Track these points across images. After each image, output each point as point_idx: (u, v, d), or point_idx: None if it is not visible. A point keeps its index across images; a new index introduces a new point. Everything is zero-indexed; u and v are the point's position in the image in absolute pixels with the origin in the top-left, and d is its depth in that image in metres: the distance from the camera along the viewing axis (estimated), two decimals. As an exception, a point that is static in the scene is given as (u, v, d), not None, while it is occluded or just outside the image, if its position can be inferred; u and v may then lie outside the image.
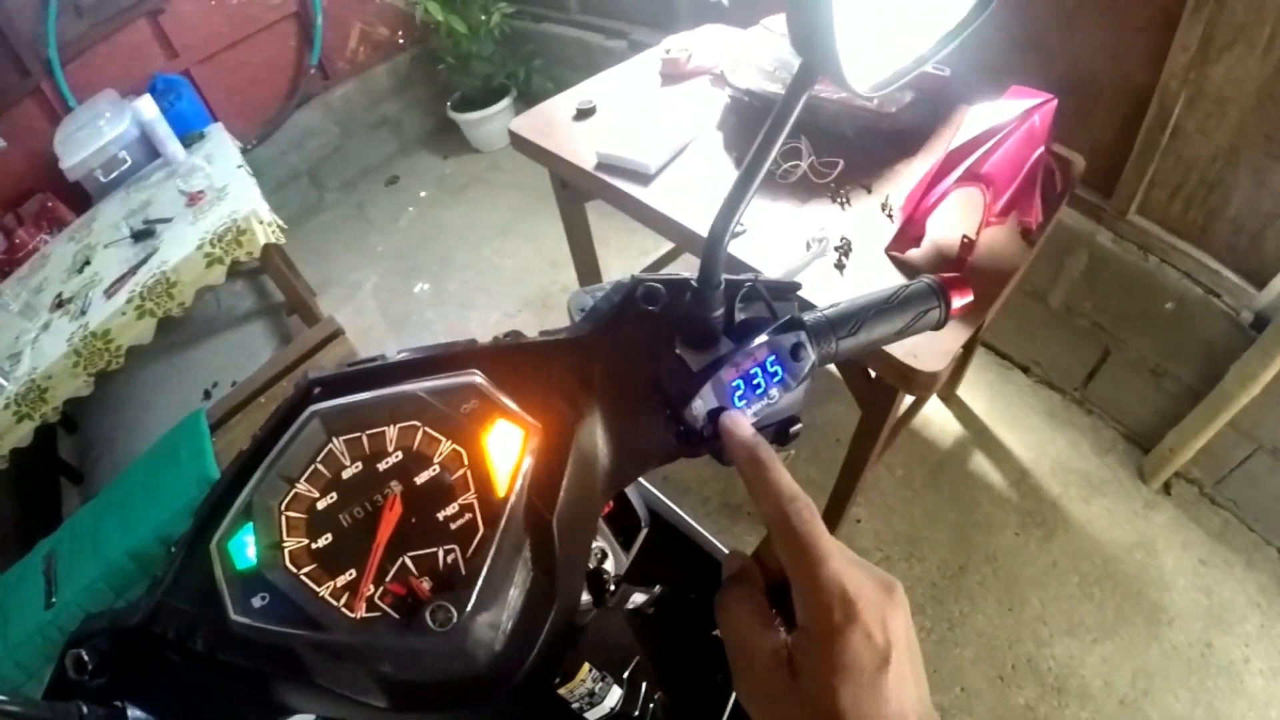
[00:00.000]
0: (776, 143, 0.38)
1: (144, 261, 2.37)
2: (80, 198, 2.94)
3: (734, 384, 0.42)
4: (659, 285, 0.43)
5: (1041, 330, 2.33)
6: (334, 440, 0.38)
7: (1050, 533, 2.08)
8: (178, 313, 2.37)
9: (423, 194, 3.95)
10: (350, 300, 3.36)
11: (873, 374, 1.42)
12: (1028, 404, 2.40)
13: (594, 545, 0.59)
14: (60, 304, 2.42)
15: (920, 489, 2.22)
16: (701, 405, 0.41)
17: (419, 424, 0.38)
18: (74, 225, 2.86)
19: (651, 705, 0.70)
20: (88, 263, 2.53)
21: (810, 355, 0.45)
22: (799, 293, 0.48)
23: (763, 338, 0.43)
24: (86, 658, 0.36)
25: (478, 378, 0.38)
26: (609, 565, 0.59)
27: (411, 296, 3.32)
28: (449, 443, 0.38)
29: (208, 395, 2.92)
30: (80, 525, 1.78)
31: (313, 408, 0.38)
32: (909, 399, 1.71)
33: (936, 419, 2.38)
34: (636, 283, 0.43)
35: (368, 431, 0.38)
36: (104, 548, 1.63)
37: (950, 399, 2.41)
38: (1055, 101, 1.40)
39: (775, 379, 0.44)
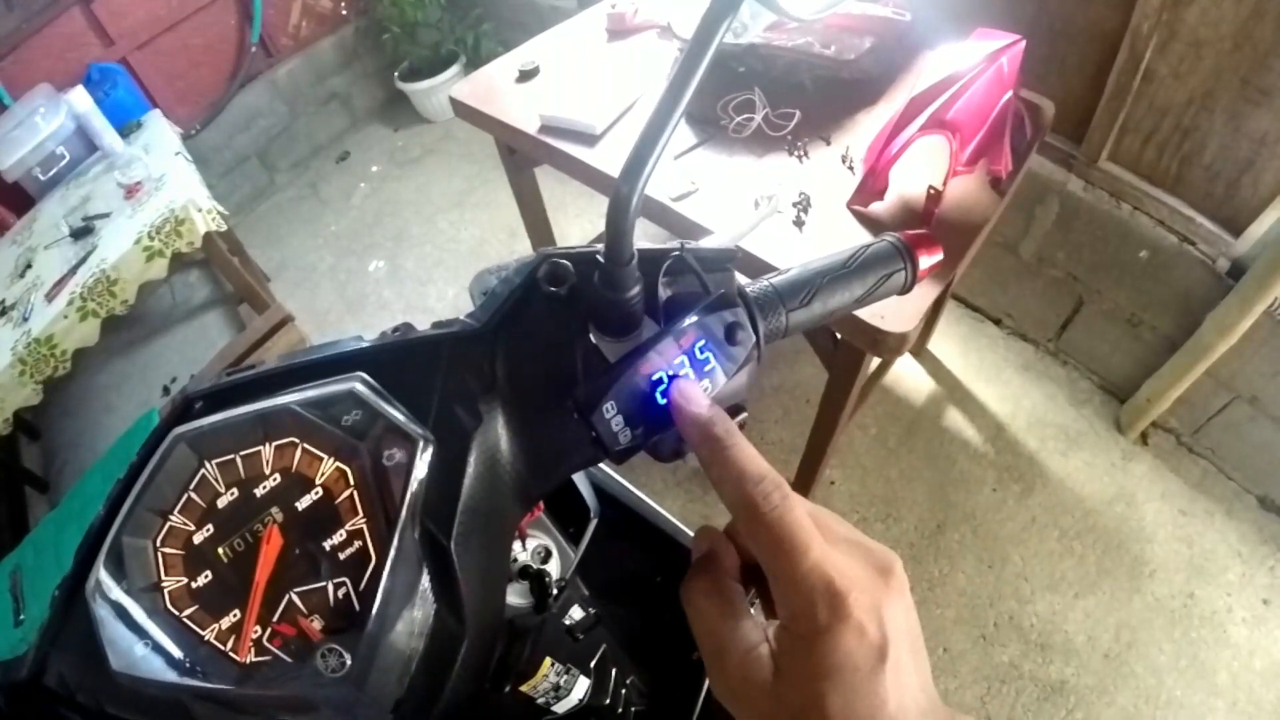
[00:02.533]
0: (693, 79, 0.32)
1: (83, 260, 2.28)
2: (22, 199, 2.83)
3: (654, 378, 0.36)
4: (566, 262, 0.37)
5: (1013, 282, 2.30)
6: (206, 465, 0.33)
7: (1029, 488, 2.07)
8: (121, 311, 2.28)
9: (375, 169, 3.85)
10: (306, 283, 3.27)
11: (838, 336, 1.39)
12: (1001, 357, 2.37)
13: (534, 544, 0.55)
14: (3, 311, 2.32)
15: (895, 447, 2.20)
16: (614, 406, 0.35)
17: (297, 441, 0.33)
18: (15, 228, 2.76)
19: (624, 691, 0.66)
20: (29, 266, 2.43)
21: (749, 335, 0.39)
22: (744, 257, 0.42)
23: (690, 319, 0.37)
24: None
25: (358, 384, 0.33)
26: (553, 565, 0.55)
27: (368, 275, 3.24)
28: (331, 461, 0.33)
29: (167, 391, 2.86)
30: (43, 538, 1.75)
31: (176, 430, 0.33)
32: (877, 359, 1.68)
33: (909, 375, 2.36)
34: (541, 259, 0.37)
35: (241, 453, 0.33)
36: (67, 559, 1.53)
37: (922, 354, 2.39)
38: (1023, 43, 1.34)
39: (706, 368, 0.37)
